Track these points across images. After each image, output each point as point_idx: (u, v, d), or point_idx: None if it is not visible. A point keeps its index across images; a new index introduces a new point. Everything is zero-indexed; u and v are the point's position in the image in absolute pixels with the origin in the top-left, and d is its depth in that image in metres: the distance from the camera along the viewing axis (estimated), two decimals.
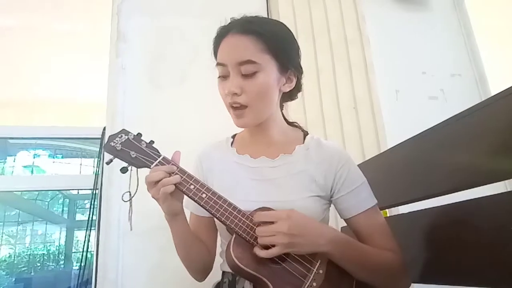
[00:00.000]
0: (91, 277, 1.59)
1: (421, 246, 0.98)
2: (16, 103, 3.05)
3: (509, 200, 0.77)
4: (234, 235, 0.79)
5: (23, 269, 3.47)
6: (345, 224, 0.96)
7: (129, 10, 1.82)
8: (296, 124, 1.05)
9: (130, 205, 0.87)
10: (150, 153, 0.84)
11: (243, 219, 0.79)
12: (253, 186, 0.91)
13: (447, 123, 0.92)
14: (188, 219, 0.92)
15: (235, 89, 0.86)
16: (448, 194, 0.89)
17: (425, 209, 1.00)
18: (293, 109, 1.60)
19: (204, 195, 0.80)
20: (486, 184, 0.80)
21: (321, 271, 0.79)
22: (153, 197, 0.81)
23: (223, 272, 0.92)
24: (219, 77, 0.91)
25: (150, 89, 1.76)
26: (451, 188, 0.89)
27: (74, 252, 3.49)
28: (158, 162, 0.82)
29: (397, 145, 1.13)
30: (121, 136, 0.85)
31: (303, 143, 0.97)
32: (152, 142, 0.86)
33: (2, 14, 2.36)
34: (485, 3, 2.43)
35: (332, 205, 0.95)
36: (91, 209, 1.78)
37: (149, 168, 0.82)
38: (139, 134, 0.86)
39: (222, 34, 0.90)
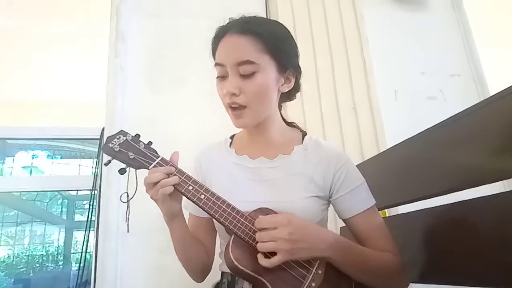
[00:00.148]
0: (90, 278, 1.59)
1: (420, 246, 0.98)
2: (14, 104, 3.05)
3: (508, 200, 0.77)
4: (232, 236, 0.79)
5: (22, 269, 3.46)
6: (344, 225, 0.95)
7: (127, 11, 1.82)
8: (295, 124, 1.05)
9: (128, 207, 0.87)
10: (149, 154, 0.83)
11: (242, 219, 0.79)
12: (251, 187, 0.90)
13: (446, 123, 0.92)
14: (186, 220, 0.92)
15: (234, 90, 0.85)
16: (447, 194, 0.89)
17: (424, 209, 1.00)
18: (292, 110, 1.61)
19: (202, 196, 0.80)
20: (484, 184, 0.80)
21: (320, 272, 0.79)
22: (152, 198, 0.80)
23: (222, 273, 0.92)
24: (217, 77, 0.90)
25: (148, 89, 1.76)
26: (450, 188, 0.89)
27: (73, 253, 3.48)
28: (157, 163, 0.82)
29: (396, 145, 1.14)
30: (119, 137, 0.85)
31: (302, 143, 0.97)
32: (150, 143, 0.86)
33: (1, 15, 2.35)
34: (484, 3, 2.43)
35: (331, 206, 0.95)
36: (90, 210, 1.78)
37: (147, 169, 0.82)
38: (138, 135, 0.86)
39: (220, 34, 0.90)
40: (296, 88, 0.98)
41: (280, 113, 1.00)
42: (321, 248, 0.78)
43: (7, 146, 3.01)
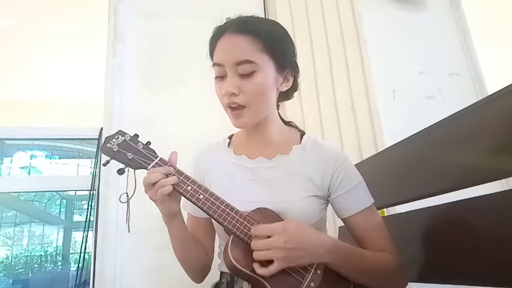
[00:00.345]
0: (89, 278, 1.59)
1: (419, 245, 0.98)
2: (12, 104, 3.04)
3: (506, 199, 0.77)
4: (231, 236, 0.79)
5: (20, 270, 3.46)
6: (343, 224, 0.96)
7: (125, 11, 1.82)
8: (293, 123, 1.05)
9: (128, 207, 0.87)
10: (147, 154, 0.83)
11: (241, 220, 0.79)
12: (250, 187, 0.90)
13: (444, 123, 0.92)
14: (185, 220, 0.92)
15: (233, 89, 0.85)
16: (445, 193, 0.90)
17: (423, 208, 1.00)
18: (290, 109, 1.61)
19: (201, 196, 0.80)
20: (483, 183, 0.80)
21: (319, 272, 0.79)
22: (151, 198, 0.80)
23: (221, 273, 0.92)
24: (216, 77, 0.90)
25: (147, 89, 1.76)
26: (448, 187, 0.89)
27: (72, 253, 3.47)
28: (155, 163, 0.82)
29: (394, 144, 1.14)
30: (118, 137, 0.85)
31: (300, 143, 0.97)
32: (149, 143, 0.86)
33: (1, 15, 2.35)
34: (482, 3, 2.44)
35: (329, 205, 0.95)
36: (89, 210, 1.77)
37: (146, 169, 0.82)
38: (136, 135, 0.86)
39: (218, 34, 0.90)
40: (294, 87, 0.98)
41: (278, 113, 1.00)
42: (319, 253, 0.77)
43: (5, 146, 3.00)
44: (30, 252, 3.55)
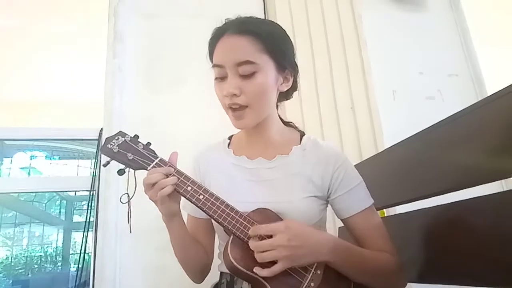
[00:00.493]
0: (89, 279, 1.59)
1: (418, 246, 0.99)
2: (12, 105, 3.04)
3: (506, 199, 0.77)
4: (231, 236, 0.79)
5: (20, 271, 3.46)
6: (342, 225, 0.96)
7: (125, 11, 1.82)
8: (292, 124, 1.05)
9: (129, 207, 0.87)
10: (147, 155, 0.83)
11: (241, 220, 0.79)
12: (250, 187, 0.90)
13: (444, 123, 0.92)
14: (185, 221, 0.92)
15: (234, 90, 0.85)
16: (445, 194, 0.90)
17: (422, 209, 1.00)
18: (290, 110, 1.61)
19: (201, 197, 0.80)
20: (483, 184, 0.80)
21: (319, 272, 0.79)
22: (151, 199, 0.80)
23: (221, 273, 0.92)
24: (216, 78, 0.90)
25: (147, 89, 1.76)
26: (448, 188, 0.89)
27: (72, 254, 3.47)
28: (155, 163, 0.82)
29: (394, 145, 1.14)
30: (118, 138, 0.85)
31: (300, 143, 0.97)
32: (149, 143, 0.86)
33: (1, 15, 2.35)
34: (481, 3, 2.44)
35: (329, 206, 0.95)
36: (89, 211, 1.77)
37: (146, 170, 0.82)
38: (136, 136, 0.86)
39: (218, 35, 0.89)
40: (294, 87, 0.98)
41: (277, 113, 1.00)
42: (322, 252, 0.77)
43: (5, 147, 3.00)
44: (30, 253, 3.54)
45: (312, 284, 0.77)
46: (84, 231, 1.75)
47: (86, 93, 2.77)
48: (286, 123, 1.03)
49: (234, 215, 0.79)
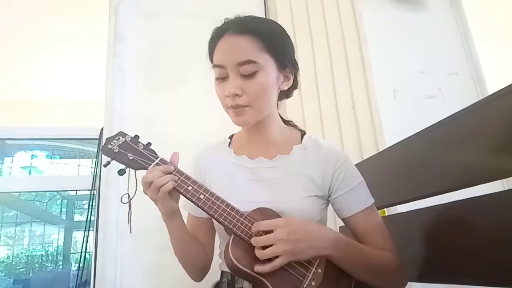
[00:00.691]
0: (90, 278, 1.59)
1: (419, 245, 0.99)
2: (13, 104, 3.04)
3: (506, 199, 0.77)
4: (232, 236, 0.79)
5: (21, 270, 3.46)
6: (343, 224, 0.96)
7: (126, 11, 1.82)
8: (292, 123, 1.05)
9: (130, 207, 0.87)
10: (148, 155, 0.84)
11: (241, 219, 0.79)
12: (251, 187, 0.90)
13: (445, 122, 0.92)
14: (185, 220, 0.92)
15: (236, 90, 0.85)
16: (446, 193, 0.90)
17: (423, 208, 1.00)
18: (291, 109, 1.61)
19: (202, 196, 0.80)
20: (484, 183, 0.80)
21: (319, 270, 0.79)
22: (151, 198, 0.80)
23: (222, 272, 0.92)
24: (216, 79, 0.90)
25: (147, 89, 1.76)
26: (449, 187, 0.89)
27: (73, 253, 3.47)
28: (156, 163, 0.82)
29: (395, 144, 1.14)
30: (119, 138, 0.85)
31: (301, 143, 0.97)
32: (149, 144, 0.86)
33: (1, 15, 2.35)
34: (482, 2, 2.43)
35: (330, 206, 0.95)
36: (89, 210, 1.78)
37: (147, 170, 0.82)
38: (137, 136, 0.86)
39: (218, 35, 0.89)
40: (295, 85, 0.98)
41: (278, 112, 1.00)
42: (322, 246, 0.78)
43: (6, 146, 3.00)
44: (31, 252, 3.55)
45: (313, 283, 0.77)
46: (85, 231, 1.76)
47: (86, 92, 2.77)
48: (287, 122, 1.03)
49: (235, 215, 0.79)
